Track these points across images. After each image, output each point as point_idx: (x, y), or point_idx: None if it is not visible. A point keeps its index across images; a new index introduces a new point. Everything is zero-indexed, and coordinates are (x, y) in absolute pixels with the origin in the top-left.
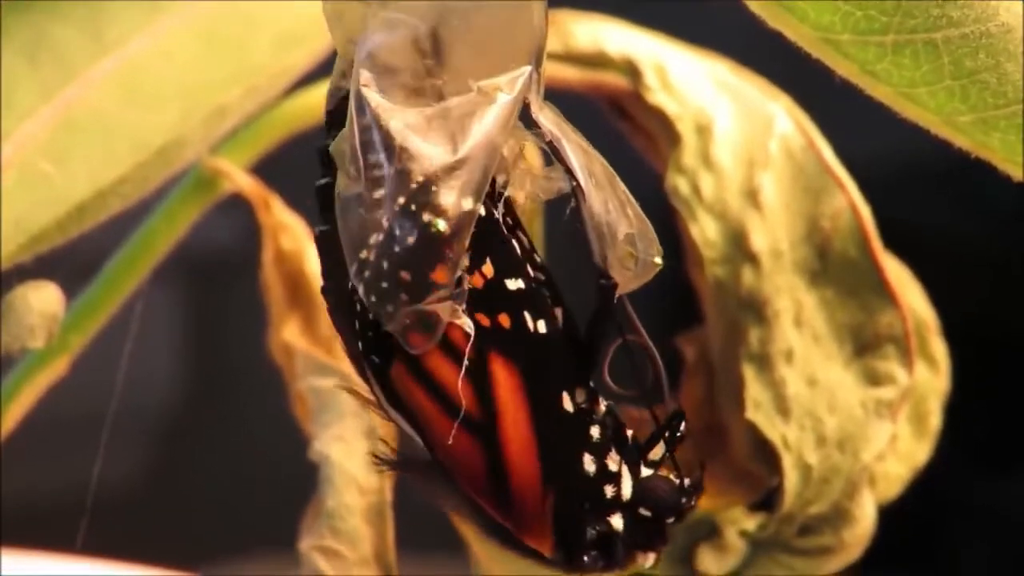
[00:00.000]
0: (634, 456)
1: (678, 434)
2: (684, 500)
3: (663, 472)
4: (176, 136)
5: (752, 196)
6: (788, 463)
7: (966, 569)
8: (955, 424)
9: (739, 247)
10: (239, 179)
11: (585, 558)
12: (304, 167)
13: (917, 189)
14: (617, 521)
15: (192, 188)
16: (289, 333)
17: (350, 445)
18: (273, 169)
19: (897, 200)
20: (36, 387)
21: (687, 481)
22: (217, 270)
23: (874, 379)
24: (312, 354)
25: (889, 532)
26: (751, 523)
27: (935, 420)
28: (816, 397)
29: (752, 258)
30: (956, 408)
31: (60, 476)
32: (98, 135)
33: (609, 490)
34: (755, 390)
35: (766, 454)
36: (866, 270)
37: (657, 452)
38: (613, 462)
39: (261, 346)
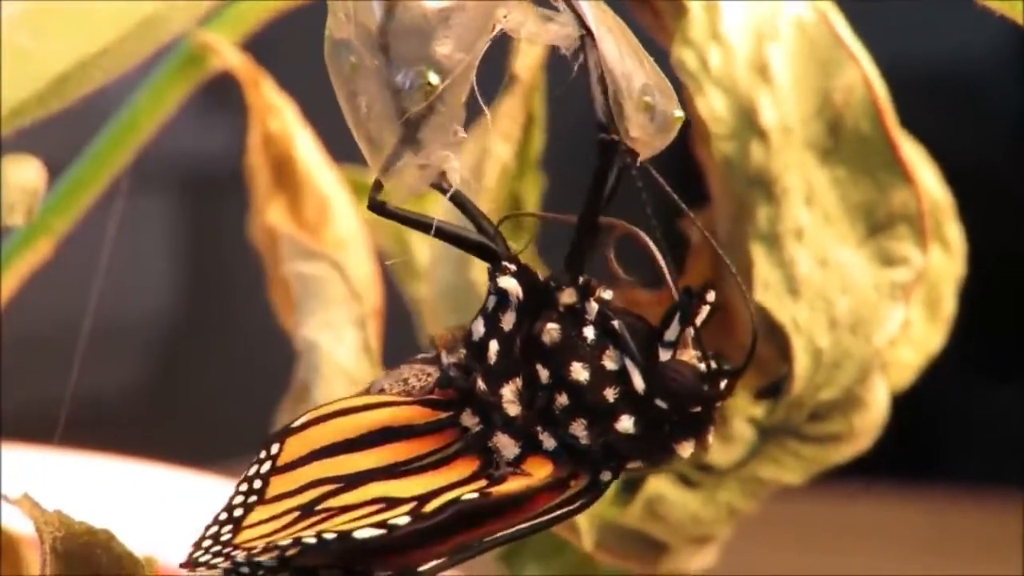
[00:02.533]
0: (645, 344)
1: (699, 310)
2: (708, 385)
3: (686, 356)
4: (160, 8)
5: (761, 70)
6: (798, 346)
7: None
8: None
9: (748, 122)
10: (228, 56)
11: (604, 474)
12: (296, 47)
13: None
14: (626, 422)
15: (179, 64)
16: (273, 216)
17: (339, 333)
18: (264, 48)
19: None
20: (18, 272)
21: (712, 364)
22: (209, 179)
23: (887, 260)
24: (298, 238)
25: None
26: (759, 410)
27: (949, 306)
28: (827, 278)
29: (761, 134)
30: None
31: (48, 388)
32: (77, 8)
33: (610, 393)
34: (764, 270)
35: (775, 337)
36: (879, 147)
37: (672, 333)
38: (610, 360)
39: (254, 256)
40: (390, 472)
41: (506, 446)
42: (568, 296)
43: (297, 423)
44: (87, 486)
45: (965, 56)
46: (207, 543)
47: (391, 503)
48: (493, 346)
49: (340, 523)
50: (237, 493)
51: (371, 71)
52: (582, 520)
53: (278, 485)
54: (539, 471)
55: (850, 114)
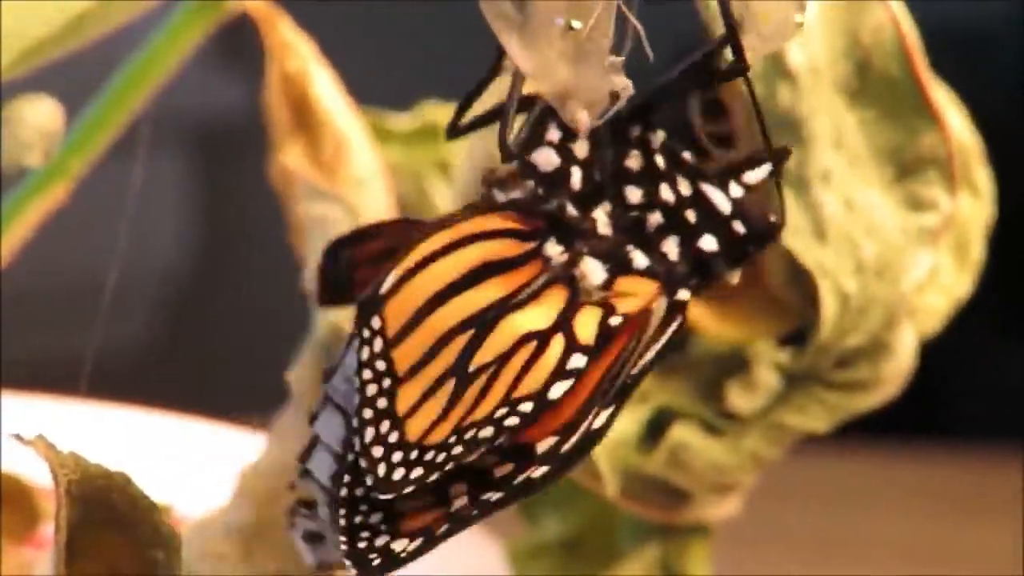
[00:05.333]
0: (727, 174)
1: (780, 165)
2: (774, 230)
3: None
4: None
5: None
6: (825, 289)
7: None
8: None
9: (775, 63)
10: None
11: (681, 293)
12: None
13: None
14: (709, 241)
15: (197, 5)
16: (291, 157)
17: None
18: None
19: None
20: (35, 212)
21: (775, 216)
22: (225, 132)
23: (915, 204)
24: (312, 179)
25: None
26: (784, 356)
27: (977, 251)
28: (854, 221)
29: (788, 75)
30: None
31: (64, 342)
32: None
33: (691, 214)
34: (790, 214)
35: (801, 282)
36: (908, 89)
37: (754, 177)
38: (684, 185)
39: (271, 213)
40: (509, 306)
41: (593, 271)
42: (635, 129)
43: (385, 288)
44: (102, 436)
45: (988, 7)
46: (378, 453)
47: (540, 340)
48: (576, 173)
49: (510, 378)
50: (363, 384)
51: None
52: (605, 467)
53: (405, 358)
54: (642, 289)
55: (878, 55)
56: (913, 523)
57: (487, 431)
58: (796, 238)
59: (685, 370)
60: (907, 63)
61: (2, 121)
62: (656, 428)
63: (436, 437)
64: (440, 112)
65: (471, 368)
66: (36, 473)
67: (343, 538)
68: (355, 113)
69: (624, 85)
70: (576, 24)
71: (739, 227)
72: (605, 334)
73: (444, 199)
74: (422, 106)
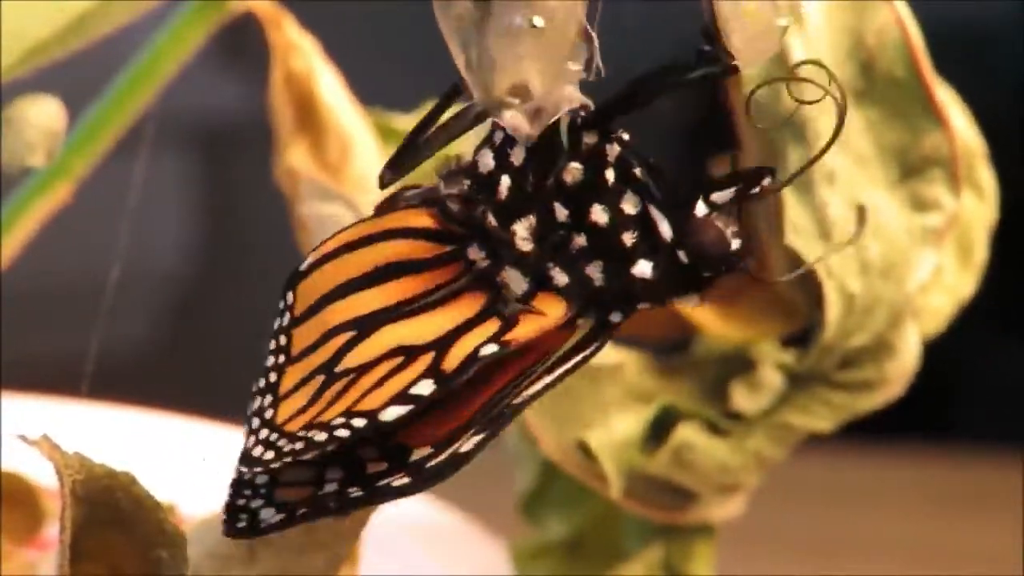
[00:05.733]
0: (669, 194)
1: (754, 189)
2: (730, 258)
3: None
4: None
5: (793, 10)
6: (829, 289)
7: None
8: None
9: (778, 63)
10: None
11: (613, 315)
12: None
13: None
14: (644, 267)
15: (200, 5)
16: (295, 157)
17: None
18: None
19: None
20: (37, 213)
21: (737, 242)
22: (228, 133)
23: (920, 204)
24: (317, 179)
25: None
26: (789, 357)
27: (981, 251)
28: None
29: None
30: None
31: (67, 342)
32: None
33: (628, 237)
34: (795, 214)
35: (806, 283)
36: (913, 89)
37: (723, 197)
38: (630, 204)
39: (273, 213)
40: (401, 312)
41: (515, 281)
42: (590, 137)
43: (303, 266)
44: (105, 437)
45: (991, 7)
46: (255, 423)
47: (408, 355)
48: (505, 181)
49: (363, 389)
50: (268, 353)
51: (477, 20)
52: (609, 468)
53: (300, 339)
54: (552, 309)
55: (883, 56)
56: (914, 523)
57: (320, 435)
58: (800, 238)
59: (689, 370)
60: (912, 63)
61: (5, 121)
62: (660, 428)
63: (292, 427)
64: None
65: (338, 369)
66: (39, 473)
67: (229, 490)
68: (359, 112)
69: (575, 97)
70: (538, 22)
71: (682, 255)
72: (474, 362)
73: None
74: (426, 106)
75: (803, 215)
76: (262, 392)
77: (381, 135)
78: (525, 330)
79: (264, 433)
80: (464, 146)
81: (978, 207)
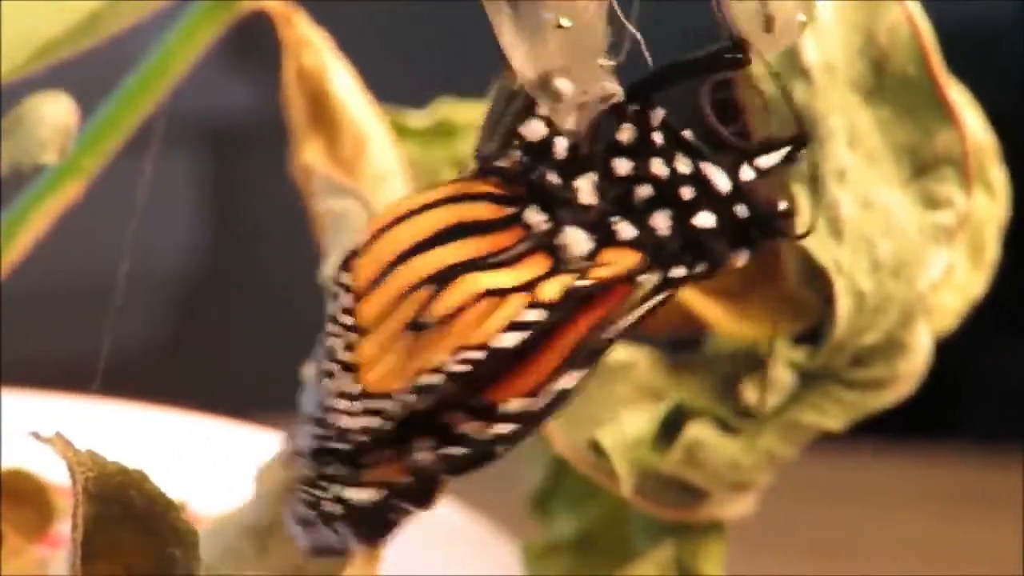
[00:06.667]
0: (727, 162)
1: (797, 154)
2: (779, 217)
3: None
4: None
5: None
6: (841, 288)
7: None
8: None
9: (790, 61)
10: None
11: (676, 270)
12: None
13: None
14: (705, 218)
15: (211, 4)
16: (310, 153)
17: None
18: None
19: None
20: (49, 211)
21: (784, 203)
22: (235, 133)
23: (931, 203)
24: (331, 175)
25: None
26: (800, 355)
27: (992, 250)
28: (871, 220)
29: (804, 73)
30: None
31: (76, 340)
32: None
33: (686, 191)
34: (806, 211)
35: (817, 281)
36: (924, 87)
37: (768, 162)
38: (682, 164)
39: (282, 210)
40: (475, 267)
41: (578, 241)
42: (634, 105)
43: (355, 246)
44: (116, 434)
45: (1002, 6)
46: (329, 404)
47: (501, 296)
48: (560, 142)
49: (464, 330)
50: (331, 337)
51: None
52: (620, 466)
53: (368, 312)
54: (623, 260)
55: (895, 54)
56: (920, 523)
57: (435, 378)
58: (812, 236)
59: (701, 368)
60: (923, 61)
61: (17, 119)
62: (671, 426)
63: (391, 387)
64: (456, 109)
65: (426, 320)
66: (49, 470)
67: (303, 487)
68: (374, 108)
69: (614, 90)
70: (565, 22)
71: (741, 209)
72: (574, 296)
73: None
74: (439, 103)
75: (814, 214)
76: (331, 375)
77: (393, 132)
78: (607, 272)
79: (356, 406)
80: None
81: (989, 205)
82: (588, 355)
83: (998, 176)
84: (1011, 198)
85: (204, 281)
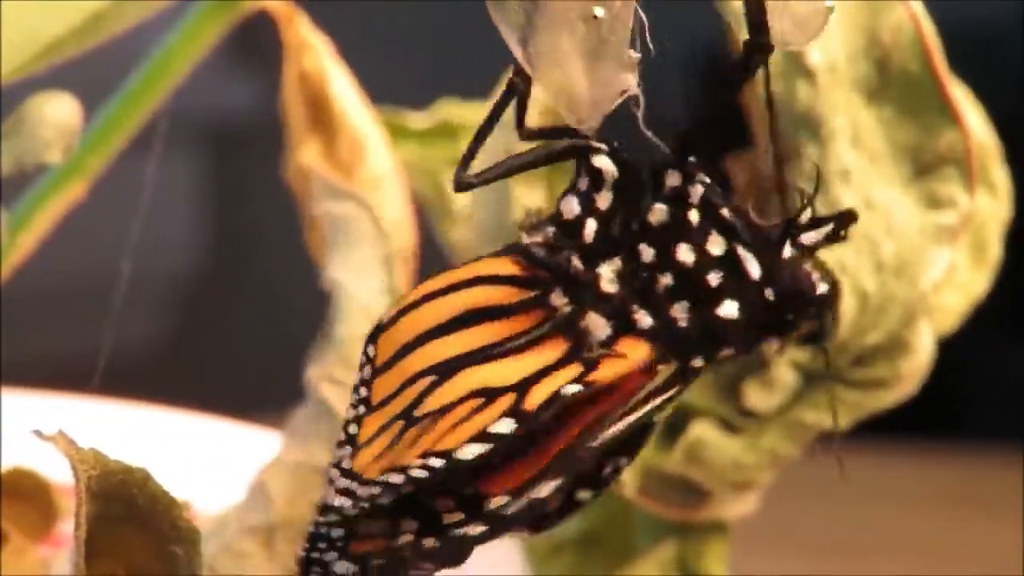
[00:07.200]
0: (753, 236)
1: (841, 232)
2: (816, 301)
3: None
4: None
5: None
6: (844, 288)
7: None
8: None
9: (793, 61)
10: None
11: (695, 360)
12: None
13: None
14: (729, 308)
15: (214, 4)
16: (307, 155)
17: (363, 272)
18: None
19: None
20: (53, 210)
21: (825, 287)
22: (236, 133)
23: (934, 203)
24: (329, 178)
25: None
26: (802, 354)
27: (994, 250)
28: (873, 220)
29: (807, 73)
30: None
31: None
32: None
33: (714, 278)
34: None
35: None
36: (927, 87)
37: (812, 238)
38: (715, 245)
39: (284, 211)
40: (482, 356)
41: (598, 326)
42: (673, 178)
43: (387, 318)
44: (118, 434)
45: (1004, 6)
46: (334, 474)
47: (489, 397)
48: (590, 224)
49: (442, 431)
50: (350, 407)
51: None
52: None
53: (380, 389)
54: (634, 352)
55: (898, 54)
56: (923, 522)
57: (397, 478)
58: None
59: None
60: (926, 61)
61: (20, 118)
62: (674, 426)
63: (370, 473)
64: (456, 110)
65: (417, 413)
66: (51, 469)
67: (305, 543)
68: (371, 112)
69: (632, 84)
70: (599, 12)
71: (769, 294)
72: (558, 403)
73: (460, 197)
74: (438, 104)
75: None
76: (341, 444)
77: (392, 133)
78: (607, 372)
79: (343, 483)
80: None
81: (992, 205)
82: (566, 463)
83: (1000, 176)
84: (1013, 198)
85: (204, 281)
